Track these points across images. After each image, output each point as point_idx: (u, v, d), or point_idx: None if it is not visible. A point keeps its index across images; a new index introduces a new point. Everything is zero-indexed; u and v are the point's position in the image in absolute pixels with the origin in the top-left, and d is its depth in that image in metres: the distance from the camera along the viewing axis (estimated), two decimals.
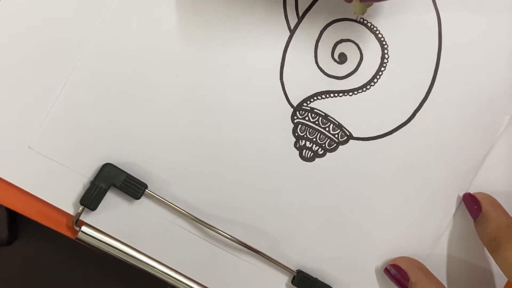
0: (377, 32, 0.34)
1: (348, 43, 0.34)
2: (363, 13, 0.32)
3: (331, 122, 0.34)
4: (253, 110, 0.34)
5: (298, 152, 0.35)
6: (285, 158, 0.34)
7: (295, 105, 0.34)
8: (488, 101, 0.35)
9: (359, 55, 0.34)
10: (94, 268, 0.39)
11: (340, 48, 0.34)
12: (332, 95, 0.34)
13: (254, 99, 0.34)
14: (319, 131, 0.34)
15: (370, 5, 0.31)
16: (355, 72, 0.34)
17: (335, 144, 0.35)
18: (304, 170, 0.35)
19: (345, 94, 0.34)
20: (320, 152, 0.35)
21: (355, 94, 0.34)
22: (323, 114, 0.34)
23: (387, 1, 0.33)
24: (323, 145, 0.35)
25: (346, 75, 0.34)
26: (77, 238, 0.33)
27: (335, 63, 0.34)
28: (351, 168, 0.35)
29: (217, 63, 0.33)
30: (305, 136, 0.34)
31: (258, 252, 0.34)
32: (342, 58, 0.34)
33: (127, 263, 0.34)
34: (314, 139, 0.35)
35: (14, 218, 0.38)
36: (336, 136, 0.35)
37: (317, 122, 0.34)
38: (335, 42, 0.34)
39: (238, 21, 0.33)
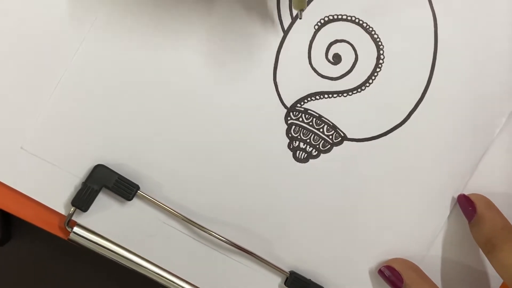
0: (373, 32, 0.34)
1: (342, 43, 0.34)
2: (302, 7, 0.30)
3: (325, 123, 0.34)
4: (246, 111, 0.34)
5: (291, 153, 0.34)
6: (278, 159, 0.34)
7: (288, 106, 0.34)
8: (484, 102, 0.35)
9: (354, 56, 0.34)
10: (87, 269, 0.39)
11: (334, 49, 0.34)
12: (326, 96, 0.34)
13: (247, 100, 0.33)
14: (313, 132, 0.34)
15: None
16: (349, 73, 0.34)
17: (329, 145, 0.34)
18: (298, 171, 0.34)
19: (340, 95, 0.34)
20: (314, 153, 0.34)
21: (350, 95, 0.34)
22: (317, 115, 0.34)
23: (386, 1, 0.32)
24: (317, 146, 0.34)
25: (340, 75, 0.34)
26: (69, 239, 0.33)
27: (329, 64, 0.34)
28: (345, 169, 0.35)
29: (210, 64, 0.33)
30: (299, 137, 0.34)
31: (251, 253, 0.34)
32: (336, 59, 0.34)
33: (119, 264, 0.33)
34: (308, 140, 0.34)
35: (8, 219, 0.38)
36: (330, 137, 0.34)
37: (311, 123, 0.34)
38: (329, 42, 0.33)
39: (231, 22, 0.33)
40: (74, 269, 0.39)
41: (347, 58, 0.34)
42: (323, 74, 0.34)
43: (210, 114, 0.33)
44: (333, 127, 0.34)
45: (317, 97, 0.34)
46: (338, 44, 0.34)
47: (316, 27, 0.33)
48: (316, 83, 0.34)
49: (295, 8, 0.30)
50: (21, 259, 0.39)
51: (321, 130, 0.34)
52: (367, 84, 0.34)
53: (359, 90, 0.34)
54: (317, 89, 0.34)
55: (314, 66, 0.34)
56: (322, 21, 0.33)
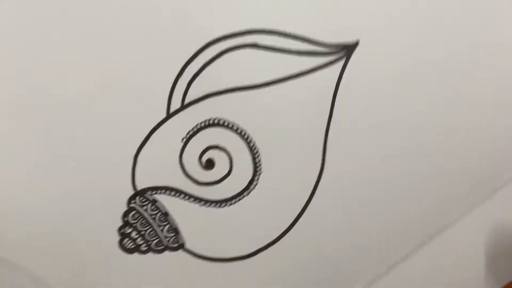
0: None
1: (217, 150, 0.30)
2: None
3: (170, 223, 0.31)
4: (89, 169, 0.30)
5: (119, 237, 0.31)
6: (102, 241, 0.30)
7: (138, 188, 0.30)
8: None
9: (228, 164, 0.30)
10: None
11: (210, 153, 0.30)
12: (183, 196, 0.31)
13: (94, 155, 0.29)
14: (152, 227, 0.31)
15: None
16: (219, 183, 0.31)
17: (162, 247, 0.31)
18: (122, 260, 0.31)
19: (196, 200, 0.31)
20: (143, 249, 0.31)
21: (207, 205, 0.31)
22: (164, 212, 0.31)
23: None
24: (150, 243, 0.31)
25: (207, 182, 0.31)
26: None
27: (200, 167, 0.30)
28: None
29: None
30: (134, 224, 0.31)
31: None
32: (209, 164, 0.30)
33: None
34: (143, 232, 0.31)
35: None
36: (168, 239, 0.31)
37: (154, 217, 0.31)
38: (206, 146, 0.30)
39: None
40: None
41: (221, 166, 0.30)
42: (190, 174, 0.30)
43: None
44: (175, 230, 0.31)
45: (174, 194, 0.30)
46: (213, 150, 0.30)
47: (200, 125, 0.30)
48: (179, 180, 0.30)
49: None
50: None
51: (161, 228, 0.31)
52: (237, 198, 0.31)
53: (223, 204, 0.31)
54: (178, 186, 0.30)
55: (183, 161, 0.30)
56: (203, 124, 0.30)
